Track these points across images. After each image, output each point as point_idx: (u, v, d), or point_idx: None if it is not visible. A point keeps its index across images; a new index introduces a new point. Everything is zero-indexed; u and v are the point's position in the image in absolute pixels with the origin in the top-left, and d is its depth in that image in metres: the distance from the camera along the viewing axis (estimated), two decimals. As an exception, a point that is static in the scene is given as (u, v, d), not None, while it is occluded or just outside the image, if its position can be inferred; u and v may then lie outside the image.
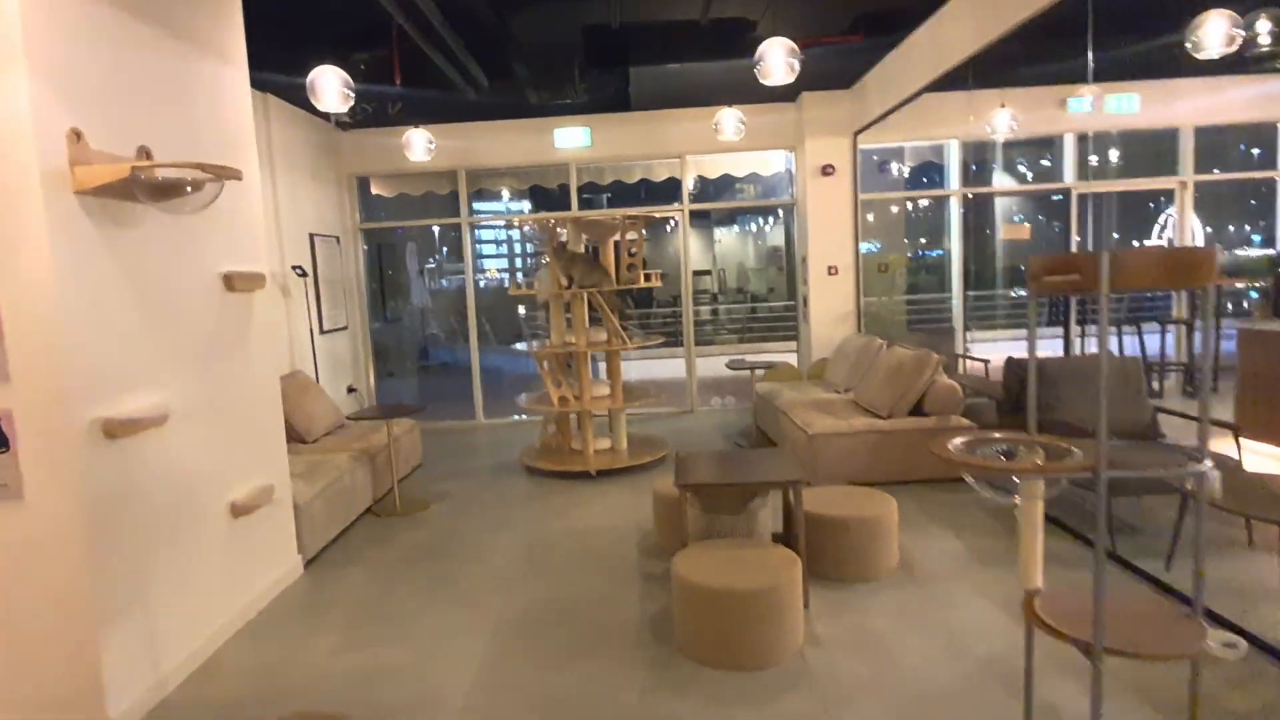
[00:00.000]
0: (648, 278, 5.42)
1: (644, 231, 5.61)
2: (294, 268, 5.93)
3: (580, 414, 5.44)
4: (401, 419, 5.49)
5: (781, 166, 7.65)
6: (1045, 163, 8.56)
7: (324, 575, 3.76)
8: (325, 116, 6.93)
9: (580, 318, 5.30)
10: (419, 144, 5.58)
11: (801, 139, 6.94)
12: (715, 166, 7.64)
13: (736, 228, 18.65)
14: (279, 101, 6.01)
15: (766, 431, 6.10)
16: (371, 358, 7.62)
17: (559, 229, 5.54)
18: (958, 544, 3.65)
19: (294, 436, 5.06)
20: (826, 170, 6.81)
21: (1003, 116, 6.12)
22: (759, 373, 6.48)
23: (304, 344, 6.09)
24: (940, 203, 7.98)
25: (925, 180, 7.73)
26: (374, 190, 7.92)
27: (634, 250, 5.60)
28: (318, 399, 5.44)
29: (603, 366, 8.79)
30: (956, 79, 5.77)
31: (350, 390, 7.12)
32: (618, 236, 5.57)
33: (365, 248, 7.70)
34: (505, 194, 9.59)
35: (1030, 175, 8.46)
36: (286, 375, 5.46)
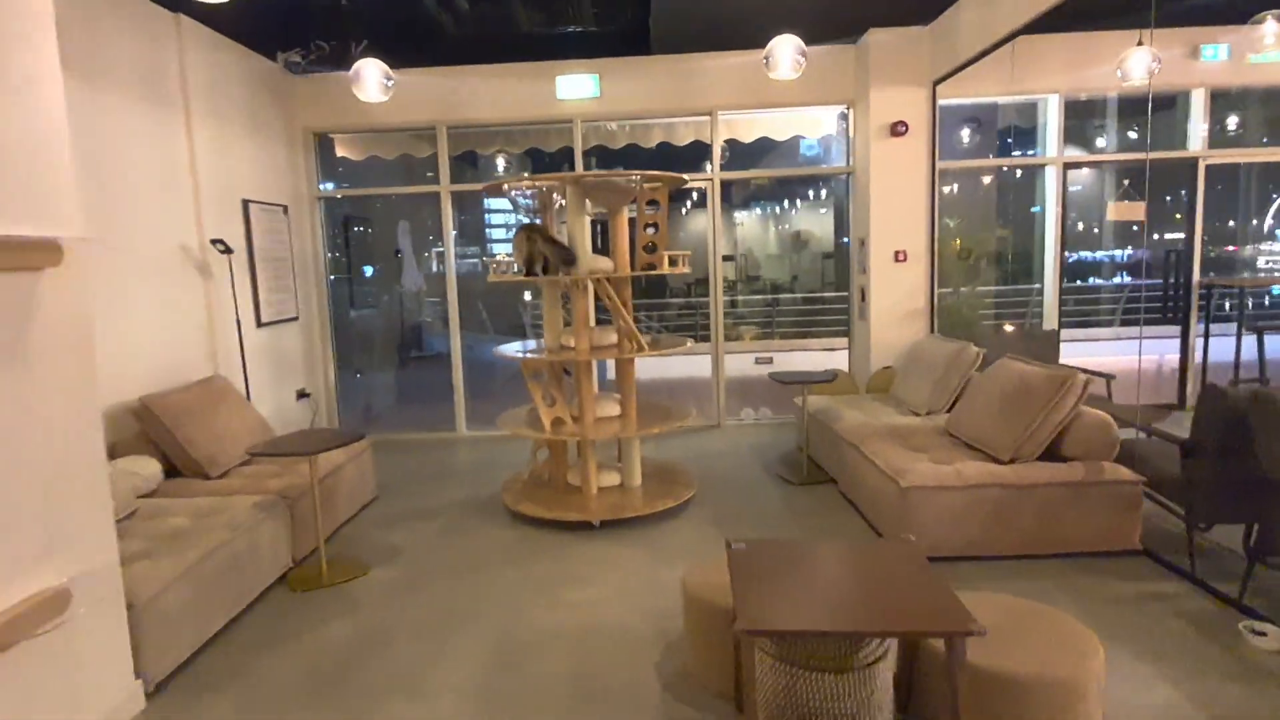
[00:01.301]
0: (673, 261, 4.05)
1: (668, 201, 4.24)
2: (214, 242, 4.59)
3: (580, 442, 4.10)
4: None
5: (833, 128, 6.25)
6: (1132, 134, 7.14)
7: (174, 712, 2.44)
8: (271, 55, 5.58)
9: (582, 314, 3.95)
10: (372, 80, 4.22)
11: (865, 90, 5.52)
12: (751, 128, 6.24)
13: (758, 209, 17.22)
14: (201, 28, 4.65)
15: (820, 462, 4.74)
16: (334, 354, 6.29)
17: (556, 195, 4.18)
18: (1171, 691, 2.28)
19: (192, 470, 3.75)
20: (897, 129, 5.39)
21: (1139, 59, 4.68)
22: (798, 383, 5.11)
23: (230, 339, 4.76)
24: (1001, 174, 6.57)
25: (998, 145, 6.32)
26: (339, 152, 6.57)
27: (655, 225, 4.24)
28: (236, 415, 4.12)
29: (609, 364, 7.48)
30: (1066, 16, 4.39)
31: (302, 396, 5.80)
32: (633, 210, 4.21)
33: (337, 221, 6.36)
34: (500, 163, 8.23)
35: (1103, 144, 7.05)
36: (198, 382, 4.15)
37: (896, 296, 5.56)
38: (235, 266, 4.83)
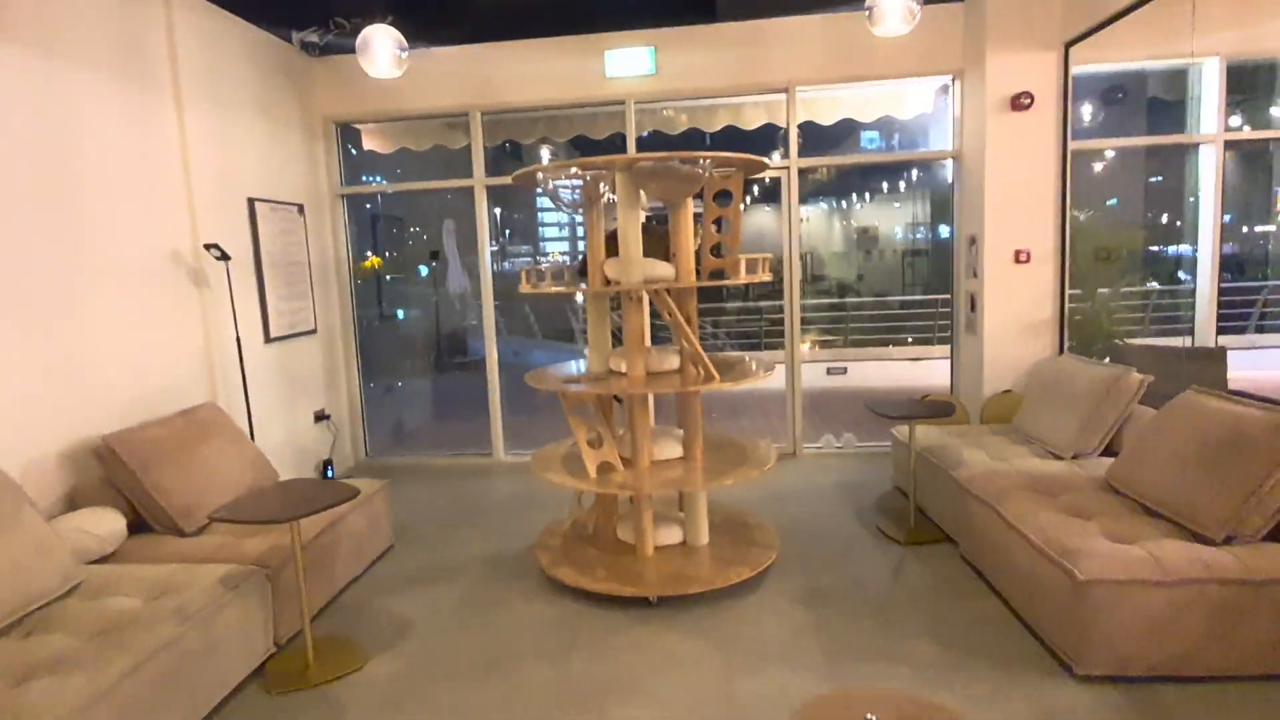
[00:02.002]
0: (751, 267, 3.20)
1: (742, 192, 3.40)
2: (208, 247, 3.95)
3: (634, 494, 3.30)
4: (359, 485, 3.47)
5: (929, 105, 5.30)
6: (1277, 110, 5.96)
7: None
8: (285, 34, 4.95)
9: (635, 332, 3.15)
10: (382, 51, 3.51)
11: (978, 55, 4.56)
12: (832, 108, 5.34)
13: (821, 205, 16.17)
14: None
15: (930, 513, 3.84)
16: (359, 369, 5.65)
17: (604, 186, 3.38)
18: None
19: (164, 523, 3.09)
20: (1020, 102, 4.42)
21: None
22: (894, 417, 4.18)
23: (229, 359, 4.13)
24: (1128, 157, 5.50)
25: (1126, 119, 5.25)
26: (367, 145, 5.93)
27: (726, 221, 3.40)
28: (226, 452, 3.46)
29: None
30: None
31: (321, 418, 5.16)
32: (698, 205, 3.38)
33: (366, 221, 5.71)
34: (545, 154, 7.49)
35: (1236, 122, 5.89)
36: (180, 414, 3.49)
37: (1017, 305, 4.59)
38: (237, 275, 4.19)
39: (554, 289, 3.24)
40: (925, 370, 9.43)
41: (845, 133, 5.98)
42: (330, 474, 5.09)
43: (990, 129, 4.50)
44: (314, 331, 5.09)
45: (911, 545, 3.60)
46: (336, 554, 3.30)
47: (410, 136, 5.87)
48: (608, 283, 3.22)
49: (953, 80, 4.95)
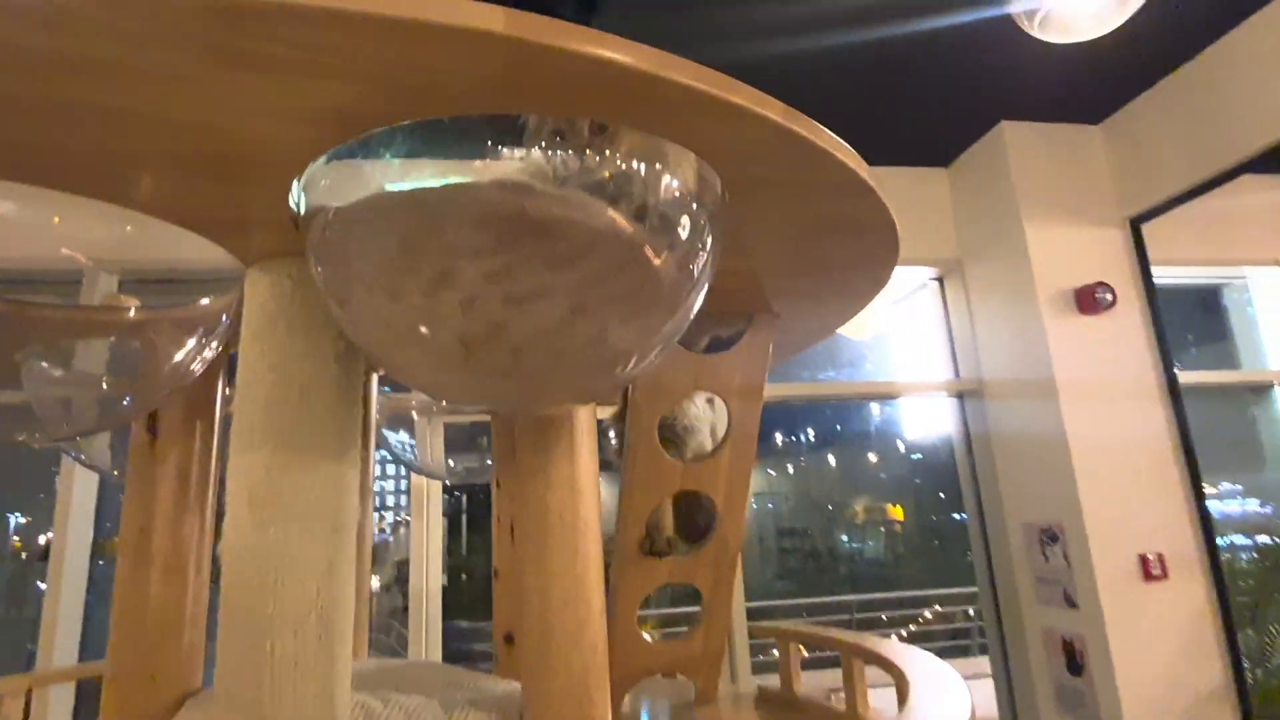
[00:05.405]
0: None
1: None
2: None
3: None
4: None
5: (894, 320, 3.50)
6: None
7: None
8: None
9: None
10: None
11: (1002, 232, 2.85)
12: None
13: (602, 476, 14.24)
14: None
15: None
16: None
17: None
18: None
19: None
20: (1093, 300, 2.64)
21: None
22: None
23: None
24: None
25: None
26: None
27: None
28: None
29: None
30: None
31: None
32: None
33: None
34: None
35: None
36: None
37: (1160, 662, 2.38)
38: None
39: None
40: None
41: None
42: None
43: (1055, 343, 2.62)
44: None
45: None
46: None
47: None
48: None
49: (938, 280, 3.21)
